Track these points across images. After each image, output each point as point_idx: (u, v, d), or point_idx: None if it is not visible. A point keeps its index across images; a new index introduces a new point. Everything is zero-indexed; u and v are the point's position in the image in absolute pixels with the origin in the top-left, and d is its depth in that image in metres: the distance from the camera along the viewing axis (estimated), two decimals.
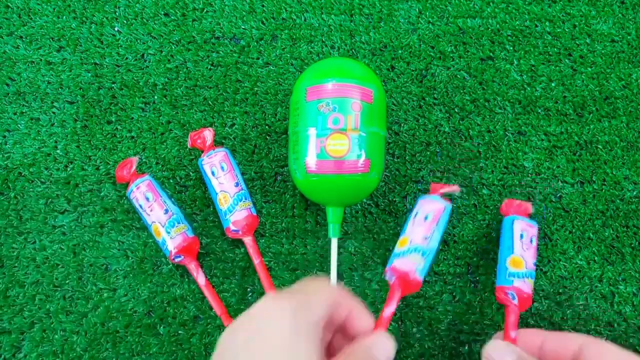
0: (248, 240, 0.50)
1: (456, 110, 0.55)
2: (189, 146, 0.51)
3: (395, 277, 0.38)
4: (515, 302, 0.39)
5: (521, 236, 0.42)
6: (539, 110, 0.55)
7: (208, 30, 0.57)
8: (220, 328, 0.50)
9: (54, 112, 0.54)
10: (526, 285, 0.40)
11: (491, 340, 0.39)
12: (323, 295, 0.31)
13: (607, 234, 0.52)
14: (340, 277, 0.51)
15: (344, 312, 0.34)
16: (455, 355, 0.49)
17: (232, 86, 0.55)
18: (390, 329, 0.50)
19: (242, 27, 0.57)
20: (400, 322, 0.50)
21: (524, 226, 0.44)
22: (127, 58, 0.56)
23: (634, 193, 0.53)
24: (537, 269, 0.41)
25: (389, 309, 0.37)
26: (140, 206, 0.49)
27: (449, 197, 0.43)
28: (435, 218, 0.40)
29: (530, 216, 0.47)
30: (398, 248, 0.41)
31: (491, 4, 0.58)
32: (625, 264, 0.51)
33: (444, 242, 0.52)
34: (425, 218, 0.40)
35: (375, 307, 0.50)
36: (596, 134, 0.55)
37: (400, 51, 0.57)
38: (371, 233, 0.52)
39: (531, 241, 0.43)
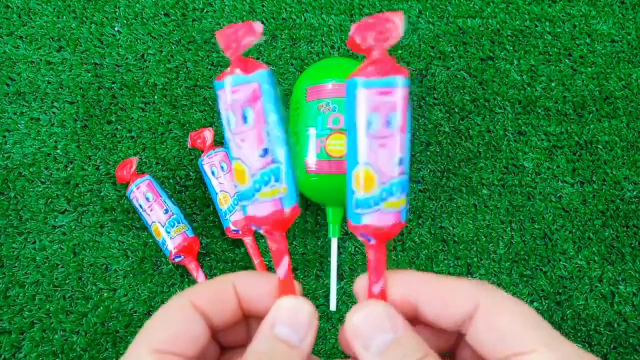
0: (248, 240, 0.50)
1: (456, 110, 0.55)
2: (189, 146, 0.51)
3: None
4: (373, 242, 0.24)
5: (369, 123, 0.22)
6: (539, 110, 0.55)
7: (208, 30, 0.57)
8: None
9: (54, 112, 0.54)
10: (384, 216, 0.23)
11: (356, 306, 0.24)
12: (167, 325, 0.22)
13: (607, 234, 0.52)
14: (340, 277, 0.51)
15: (228, 300, 0.24)
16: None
17: None
18: None
19: None
20: None
21: (373, 98, 0.22)
22: (127, 58, 0.56)
23: (634, 193, 0.53)
24: (407, 165, 0.23)
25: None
26: (140, 206, 0.49)
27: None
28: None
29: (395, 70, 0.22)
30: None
31: (491, 4, 0.58)
32: (625, 264, 0.51)
33: (443, 241, 0.52)
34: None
35: None
36: (596, 134, 0.55)
37: (400, 51, 0.57)
38: None
39: (388, 124, 0.22)
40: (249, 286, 0.24)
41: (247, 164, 0.23)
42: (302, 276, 0.51)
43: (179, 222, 0.49)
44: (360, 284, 0.25)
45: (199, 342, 0.22)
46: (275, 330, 0.22)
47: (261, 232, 0.24)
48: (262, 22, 0.57)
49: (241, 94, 0.23)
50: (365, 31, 0.22)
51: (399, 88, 0.22)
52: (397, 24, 0.21)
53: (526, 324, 0.21)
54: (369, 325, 0.23)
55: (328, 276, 0.50)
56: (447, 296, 0.23)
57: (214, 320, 0.23)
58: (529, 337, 0.20)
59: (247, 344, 0.23)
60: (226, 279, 0.24)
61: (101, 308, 0.50)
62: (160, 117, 0.55)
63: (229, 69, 0.23)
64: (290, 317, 0.23)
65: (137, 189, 0.49)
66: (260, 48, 0.56)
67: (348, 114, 0.23)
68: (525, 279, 0.51)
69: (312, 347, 0.23)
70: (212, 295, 0.24)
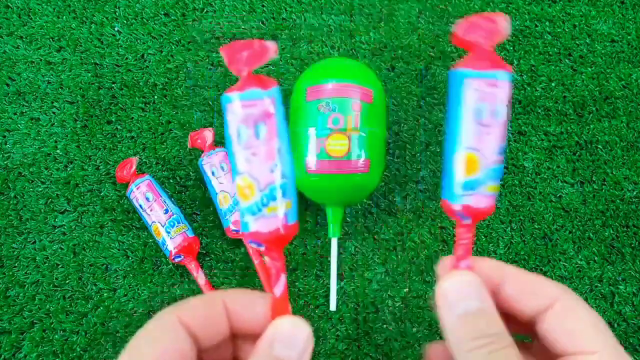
0: None
1: None
2: (189, 146, 0.51)
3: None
4: (468, 221, 0.25)
5: (477, 112, 0.24)
6: (539, 110, 0.55)
7: (208, 30, 0.57)
8: None
9: (54, 112, 0.54)
10: (484, 198, 0.25)
11: (447, 274, 0.25)
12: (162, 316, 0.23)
13: (607, 234, 0.52)
14: (340, 277, 0.51)
15: (217, 320, 0.24)
16: None
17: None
18: (392, 329, 0.50)
19: (242, 27, 0.57)
20: (400, 322, 0.50)
21: (482, 89, 0.24)
22: (127, 58, 0.56)
23: (634, 193, 0.53)
24: (504, 154, 0.26)
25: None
26: (140, 206, 0.49)
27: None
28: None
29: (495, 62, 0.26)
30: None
31: (491, 4, 0.58)
32: (625, 264, 0.51)
33: (443, 241, 0.52)
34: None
35: (375, 307, 0.50)
36: (596, 134, 0.55)
37: (400, 51, 0.57)
38: (371, 233, 0.52)
39: (494, 114, 0.24)
40: (241, 306, 0.24)
41: (256, 178, 0.23)
42: (302, 276, 0.51)
43: (179, 222, 0.49)
44: (445, 264, 0.26)
45: None
46: (274, 351, 0.23)
47: (261, 249, 0.24)
48: (262, 22, 0.57)
49: (255, 109, 0.23)
50: (472, 29, 0.24)
51: (506, 82, 0.24)
52: (502, 24, 0.24)
53: (596, 328, 0.23)
54: (457, 290, 0.24)
55: (328, 276, 0.50)
56: (531, 285, 0.25)
57: (202, 339, 0.23)
58: (596, 339, 0.23)
59: None
60: (216, 297, 0.24)
61: (101, 308, 0.50)
62: (160, 117, 0.55)
63: (239, 83, 0.23)
64: (289, 338, 0.23)
65: (137, 189, 0.49)
66: None
67: (452, 102, 0.24)
68: None
69: None
70: (202, 314, 0.23)
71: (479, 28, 0.24)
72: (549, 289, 0.25)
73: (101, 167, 0.53)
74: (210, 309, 0.24)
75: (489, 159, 0.24)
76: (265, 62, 0.23)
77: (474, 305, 0.23)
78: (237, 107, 0.23)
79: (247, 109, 0.23)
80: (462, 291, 0.24)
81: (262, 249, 0.25)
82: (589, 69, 0.56)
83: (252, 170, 0.23)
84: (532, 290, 0.25)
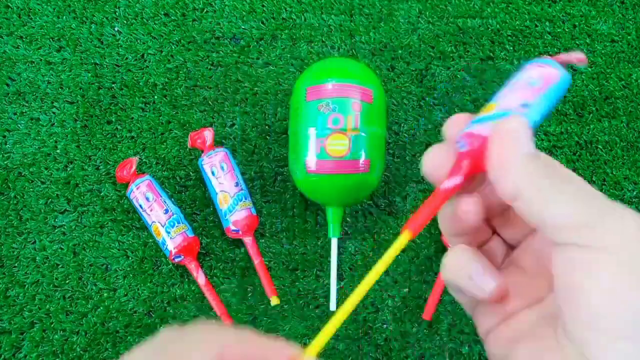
0: (248, 240, 0.50)
1: (456, 110, 0.55)
2: (189, 146, 0.51)
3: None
4: (465, 148, 0.25)
5: (531, 82, 0.27)
6: None
7: (208, 30, 0.57)
8: None
9: (54, 112, 0.54)
10: (485, 128, 0.25)
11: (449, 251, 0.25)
12: (207, 348, 0.21)
13: None
14: (340, 277, 0.51)
15: None
16: (455, 355, 0.49)
17: (232, 86, 0.55)
18: (392, 329, 0.50)
19: (242, 27, 0.57)
20: (400, 322, 0.50)
21: (539, 70, 0.27)
22: (127, 58, 0.56)
23: (634, 193, 0.53)
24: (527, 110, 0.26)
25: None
26: (140, 206, 0.49)
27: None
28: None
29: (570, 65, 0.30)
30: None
31: (491, 4, 0.58)
32: None
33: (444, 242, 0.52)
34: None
35: (375, 307, 0.50)
36: (596, 134, 0.55)
37: (400, 51, 0.57)
38: (371, 233, 0.52)
39: (532, 83, 0.27)
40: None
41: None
42: (302, 276, 0.51)
43: (179, 222, 0.49)
44: (452, 125, 0.25)
45: None
46: None
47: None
48: (262, 22, 0.57)
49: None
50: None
51: (551, 68, 0.27)
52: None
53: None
54: (454, 263, 0.24)
55: (328, 276, 0.50)
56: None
57: None
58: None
59: None
60: (262, 345, 0.22)
61: (101, 308, 0.50)
62: (160, 117, 0.55)
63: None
64: None
65: (137, 189, 0.49)
66: (261, 48, 0.56)
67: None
68: None
69: None
70: (246, 354, 0.21)
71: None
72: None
73: (101, 167, 0.53)
74: (254, 355, 0.22)
75: (504, 105, 0.26)
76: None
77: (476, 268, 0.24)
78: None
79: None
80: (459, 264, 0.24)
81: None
82: (589, 69, 0.56)
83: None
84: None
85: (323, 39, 0.57)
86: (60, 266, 0.51)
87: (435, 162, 0.24)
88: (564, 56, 0.28)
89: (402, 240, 0.24)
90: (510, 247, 0.25)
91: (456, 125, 0.25)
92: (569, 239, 0.20)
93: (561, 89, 0.28)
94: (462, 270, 0.24)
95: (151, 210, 0.48)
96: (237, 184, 0.49)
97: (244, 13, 0.58)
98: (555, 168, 0.21)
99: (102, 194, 0.53)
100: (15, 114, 0.54)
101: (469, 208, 0.23)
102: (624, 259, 0.19)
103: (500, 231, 0.25)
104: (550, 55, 0.31)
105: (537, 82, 0.27)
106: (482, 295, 0.24)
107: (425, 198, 0.53)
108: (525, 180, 0.21)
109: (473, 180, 0.24)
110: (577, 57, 0.28)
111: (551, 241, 0.20)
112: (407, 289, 0.51)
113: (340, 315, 0.23)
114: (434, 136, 0.54)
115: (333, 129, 0.44)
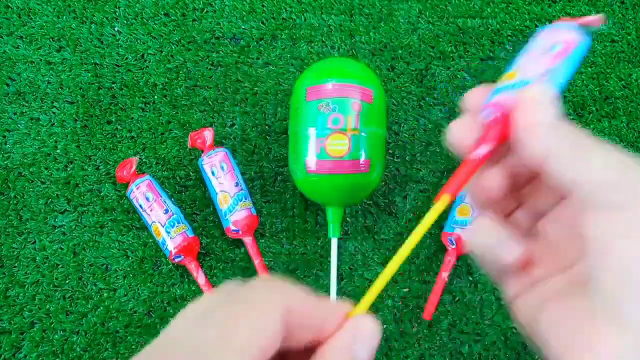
0: (248, 240, 0.50)
1: (456, 110, 0.55)
2: (189, 146, 0.51)
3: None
4: (492, 116, 0.25)
5: (551, 47, 0.26)
6: None
7: (208, 30, 0.57)
8: None
9: (54, 112, 0.54)
10: (509, 97, 0.25)
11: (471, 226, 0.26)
12: (272, 307, 0.21)
13: None
14: (340, 277, 0.51)
15: (315, 323, 0.22)
16: (455, 355, 0.49)
17: (232, 86, 0.55)
18: (392, 329, 0.50)
19: (242, 27, 0.57)
20: (400, 322, 0.50)
21: (557, 35, 0.27)
22: (127, 58, 0.56)
23: None
24: (551, 79, 0.25)
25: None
26: (140, 206, 0.49)
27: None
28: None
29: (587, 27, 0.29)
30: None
31: (491, 4, 0.58)
32: None
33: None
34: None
35: (375, 308, 0.50)
36: (596, 134, 0.55)
37: (400, 51, 0.57)
38: (371, 233, 0.52)
39: (552, 48, 0.26)
40: (321, 309, 0.23)
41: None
42: (302, 276, 0.51)
43: (179, 222, 0.49)
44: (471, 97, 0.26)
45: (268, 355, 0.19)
46: (354, 353, 0.21)
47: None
48: (262, 22, 0.57)
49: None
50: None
51: (572, 32, 0.27)
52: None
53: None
54: (481, 230, 0.25)
55: (328, 276, 0.50)
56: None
57: (293, 339, 0.21)
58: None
59: None
60: (322, 304, 0.23)
61: (101, 308, 0.50)
62: (160, 117, 0.55)
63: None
64: (370, 338, 0.22)
65: (137, 189, 0.49)
66: (260, 48, 0.56)
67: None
68: None
69: None
70: (308, 313, 0.22)
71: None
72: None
73: (101, 167, 0.53)
74: (317, 310, 0.23)
75: (525, 73, 0.26)
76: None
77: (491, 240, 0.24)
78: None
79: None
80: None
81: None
82: (589, 69, 0.56)
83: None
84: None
85: (323, 39, 0.57)
86: (60, 266, 0.51)
87: (462, 133, 0.25)
88: (580, 20, 0.28)
89: (442, 203, 0.26)
90: (535, 219, 0.26)
91: (477, 96, 0.26)
92: (604, 198, 0.19)
93: (582, 51, 0.27)
94: (488, 237, 0.24)
95: (151, 210, 0.48)
96: (237, 184, 0.49)
97: (244, 13, 0.58)
98: (584, 132, 0.22)
99: (102, 194, 0.53)
100: (15, 114, 0.54)
101: (495, 178, 0.24)
102: None
103: (526, 201, 0.26)
104: (565, 18, 0.30)
105: (557, 47, 0.26)
106: (508, 259, 0.24)
107: (425, 198, 0.53)
108: (555, 139, 0.21)
109: (498, 151, 0.24)
110: (592, 18, 0.28)
111: (582, 204, 0.20)
112: (407, 289, 0.51)
113: (387, 273, 0.24)
114: (434, 136, 0.54)
115: (333, 129, 0.44)
